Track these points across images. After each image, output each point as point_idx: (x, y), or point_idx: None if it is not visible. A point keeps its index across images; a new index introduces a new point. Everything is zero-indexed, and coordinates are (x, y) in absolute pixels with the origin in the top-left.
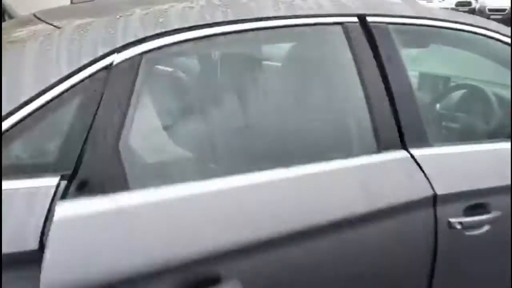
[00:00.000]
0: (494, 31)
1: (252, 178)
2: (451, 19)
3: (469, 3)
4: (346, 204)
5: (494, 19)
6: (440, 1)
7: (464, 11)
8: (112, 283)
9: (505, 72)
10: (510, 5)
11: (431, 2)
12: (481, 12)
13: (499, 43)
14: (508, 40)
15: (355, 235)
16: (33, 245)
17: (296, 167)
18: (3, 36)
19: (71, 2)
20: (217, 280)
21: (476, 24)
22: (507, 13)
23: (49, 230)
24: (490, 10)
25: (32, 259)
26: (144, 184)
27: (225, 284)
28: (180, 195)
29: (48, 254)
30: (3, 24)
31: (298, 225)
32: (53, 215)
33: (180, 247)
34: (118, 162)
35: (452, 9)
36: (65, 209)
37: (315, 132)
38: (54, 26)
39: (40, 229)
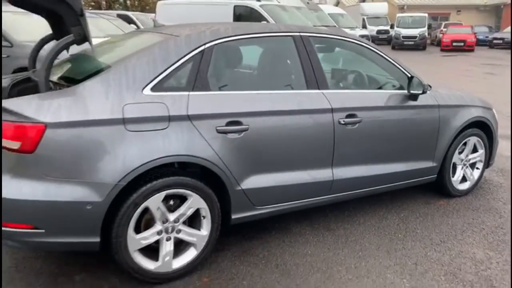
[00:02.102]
0: (363, 42)
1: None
2: (345, 36)
3: (387, 31)
4: None
5: (407, 44)
6: (361, 30)
7: (383, 38)
8: None
9: (369, 63)
10: (418, 34)
11: (354, 30)
12: (396, 39)
13: (366, 48)
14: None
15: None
16: None
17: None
18: (146, 35)
19: (154, 26)
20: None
21: (357, 39)
22: (417, 40)
23: None
24: (404, 37)
25: None
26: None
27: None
28: None
29: None
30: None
31: None
32: None
33: None
34: None
35: (373, 36)
36: None
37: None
38: (175, 35)
39: None
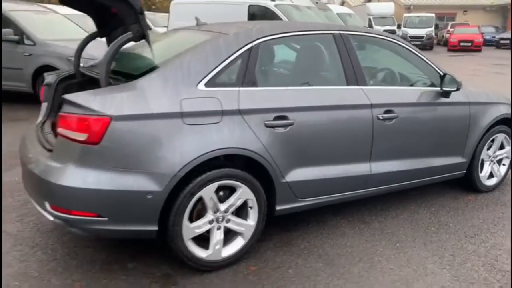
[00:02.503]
0: (398, 40)
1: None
2: (381, 34)
3: (394, 32)
4: None
5: (414, 44)
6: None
7: None
8: None
9: (402, 60)
10: (425, 34)
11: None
12: (403, 38)
13: (400, 46)
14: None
15: None
16: None
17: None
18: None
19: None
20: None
21: (392, 37)
22: (424, 40)
23: None
24: (410, 37)
25: None
26: None
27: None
28: None
29: None
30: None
31: None
32: None
33: None
34: None
35: None
36: None
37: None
38: (223, 33)
39: None
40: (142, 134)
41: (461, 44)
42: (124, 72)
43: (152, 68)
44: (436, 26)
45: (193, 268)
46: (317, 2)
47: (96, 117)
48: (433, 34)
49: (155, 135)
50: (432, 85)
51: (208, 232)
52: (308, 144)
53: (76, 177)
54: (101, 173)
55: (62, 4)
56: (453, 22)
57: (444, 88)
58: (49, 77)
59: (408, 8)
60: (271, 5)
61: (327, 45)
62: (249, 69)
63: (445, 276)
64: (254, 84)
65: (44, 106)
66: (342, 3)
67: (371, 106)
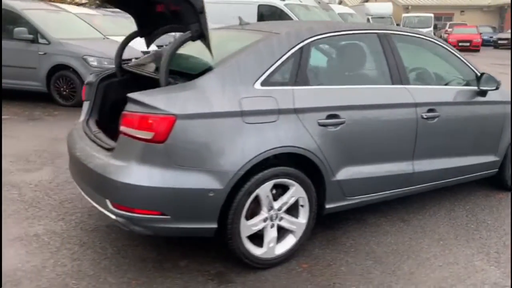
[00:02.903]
0: (438, 40)
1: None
2: (421, 34)
3: None
4: None
5: None
6: None
7: None
8: None
9: (441, 60)
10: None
11: None
12: None
13: (440, 46)
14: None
15: None
16: None
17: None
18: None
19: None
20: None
21: (432, 37)
22: None
23: None
24: None
25: None
26: None
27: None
28: None
29: None
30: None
31: None
32: None
33: None
34: None
35: None
36: None
37: None
38: (275, 33)
39: None
40: (205, 132)
41: (460, 44)
42: (179, 71)
43: (208, 68)
44: (435, 26)
45: (246, 266)
46: (319, 2)
47: (162, 116)
48: (432, 34)
49: (217, 134)
50: (467, 84)
51: (261, 230)
52: (357, 143)
53: (141, 175)
54: (165, 172)
55: (104, 2)
56: (451, 22)
57: (481, 87)
58: (91, 76)
59: (407, 8)
60: (281, 5)
61: (372, 44)
62: (301, 68)
63: (495, 273)
64: (306, 83)
65: (86, 104)
66: (340, 3)
67: (416, 105)
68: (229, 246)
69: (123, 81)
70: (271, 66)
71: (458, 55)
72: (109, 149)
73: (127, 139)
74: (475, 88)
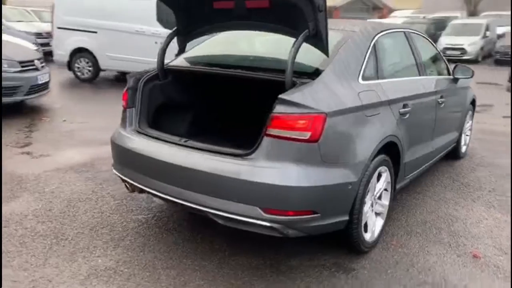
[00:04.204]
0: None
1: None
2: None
3: None
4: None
5: None
6: None
7: None
8: None
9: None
10: None
11: None
12: None
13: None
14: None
15: None
16: None
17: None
18: None
19: None
20: None
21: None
22: None
23: None
24: None
25: None
26: None
27: None
28: None
29: None
30: None
31: None
32: None
33: None
34: None
35: None
36: None
37: None
38: (352, 31)
39: None
40: (342, 128)
41: None
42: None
43: (319, 67)
44: None
45: (353, 252)
46: None
47: (316, 115)
48: None
49: (350, 128)
50: (447, 73)
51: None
52: (415, 127)
53: (298, 176)
54: (317, 170)
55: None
56: None
57: (456, 76)
58: (131, 81)
59: None
60: None
61: (405, 40)
62: (378, 62)
63: None
64: (382, 76)
65: (132, 112)
66: None
67: (436, 93)
68: (353, 236)
69: (167, 84)
70: (363, 61)
71: (438, 49)
72: (241, 155)
73: (277, 141)
74: (451, 77)
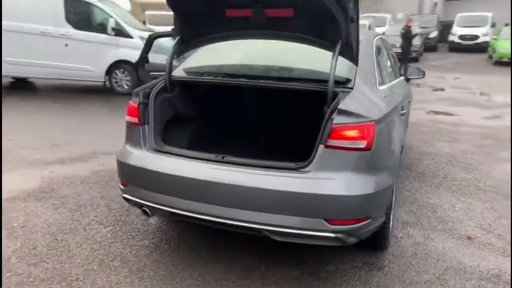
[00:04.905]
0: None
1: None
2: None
3: None
4: None
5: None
6: None
7: None
8: None
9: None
10: None
11: None
12: None
13: None
14: None
15: None
16: None
17: None
18: None
19: None
20: None
21: None
22: None
23: None
24: None
25: None
26: None
27: None
28: None
29: None
30: None
31: None
32: None
33: None
34: None
35: None
36: None
37: None
38: None
39: None
40: (385, 134)
41: None
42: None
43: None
44: None
45: (373, 251)
46: None
47: (368, 123)
48: None
49: (388, 133)
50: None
51: None
52: (403, 127)
53: (360, 184)
54: (372, 177)
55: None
56: None
57: (409, 76)
58: (141, 94)
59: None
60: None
61: (383, 44)
62: (380, 67)
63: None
64: (384, 82)
65: (145, 129)
66: None
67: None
68: (386, 234)
69: (176, 96)
70: (375, 67)
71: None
72: (295, 168)
73: (335, 152)
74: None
